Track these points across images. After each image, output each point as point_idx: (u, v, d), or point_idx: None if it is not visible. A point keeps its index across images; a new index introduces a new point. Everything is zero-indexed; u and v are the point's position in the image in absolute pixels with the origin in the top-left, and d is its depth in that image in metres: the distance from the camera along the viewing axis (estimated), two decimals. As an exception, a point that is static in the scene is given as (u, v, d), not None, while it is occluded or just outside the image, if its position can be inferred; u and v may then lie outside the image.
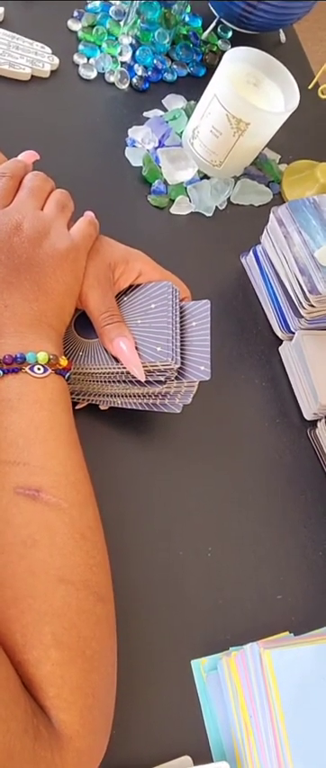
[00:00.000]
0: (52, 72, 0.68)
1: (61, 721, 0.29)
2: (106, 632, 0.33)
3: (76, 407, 0.46)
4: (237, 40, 0.80)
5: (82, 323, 0.45)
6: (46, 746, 0.28)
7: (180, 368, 0.42)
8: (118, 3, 0.74)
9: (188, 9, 0.79)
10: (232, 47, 0.65)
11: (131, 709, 0.38)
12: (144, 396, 0.44)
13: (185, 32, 0.78)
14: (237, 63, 0.63)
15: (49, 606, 0.30)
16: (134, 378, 0.42)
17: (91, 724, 0.30)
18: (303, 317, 0.54)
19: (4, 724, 0.26)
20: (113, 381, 0.44)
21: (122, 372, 0.42)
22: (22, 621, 0.30)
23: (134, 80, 0.71)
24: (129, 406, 0.45)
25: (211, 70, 0.69)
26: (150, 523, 0.45)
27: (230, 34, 0.82)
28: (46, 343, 0.38)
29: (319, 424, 0.53)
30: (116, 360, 0.42)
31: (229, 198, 0.67)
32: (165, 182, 0.64)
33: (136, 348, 0.42)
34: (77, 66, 0.70)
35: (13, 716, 0.26)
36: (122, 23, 0.72)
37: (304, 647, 0.39)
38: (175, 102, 0.71)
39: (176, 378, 0.42)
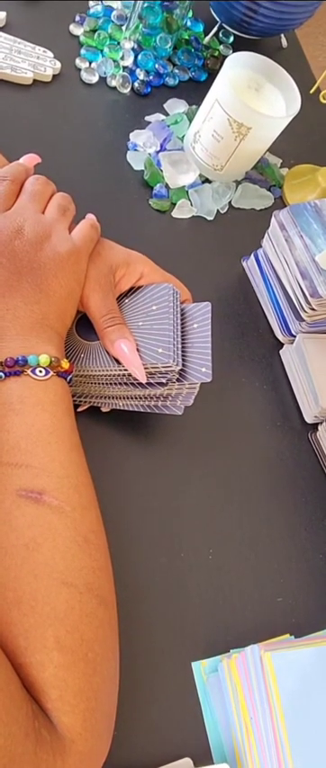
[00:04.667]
0: (54, 76, 0.68)
1: (63, 724, 0.29)
2: (109, 635, 0.33)
3: (78, 410, 0.46)
4: (238, 45, 0.81)
5: (83, 325, 0.45)
6: (48, 750, 0.28)
7: (181, 370, 0.42)
8: (120, 7, 0.74)
9: (190, 14, 0.79)
10: (234, 52, 0.65)
11: (131, 711, 0.38)
12: (146, 398, 0.44)
13: (186, 37, 0.79)
14: (238, 68, 0.63)
15: (51, 609, 0.30)
16: (136, 380, 0.42)
17: (93, 727, 0.30)
18: (304, 320, 0.54)
19: (6, 728, 0.26)
20: (115, 383, 0.44)
21: (124, 374, 0.42)
22: (24, 624, 0.30)
23: (136, 84, 0.71)
24: (130, 408, 0.45)
25: (212, 75, 0.69)
26: (152, 525, 0.45)
27: (231, 39, 0.82)
28: (48, 346, 0.38)
29: (320, 427, 0.53)
30: (117, 362, 0.42)
31: (230, 202, 0.67)
32: (166, 185, 0.64)
33: (137, 350, 0.42)
34: (79, 70, 0.70)
35: (14, 719, 0.26)
36: (123, 28, 0.72)
37: (305, 649, 0.39)
38: (176, 106, 0.72)
39: (178, 380, 0.42)
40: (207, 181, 0.67)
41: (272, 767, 0.35)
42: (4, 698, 0.26)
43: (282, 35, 0.87)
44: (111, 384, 0.44)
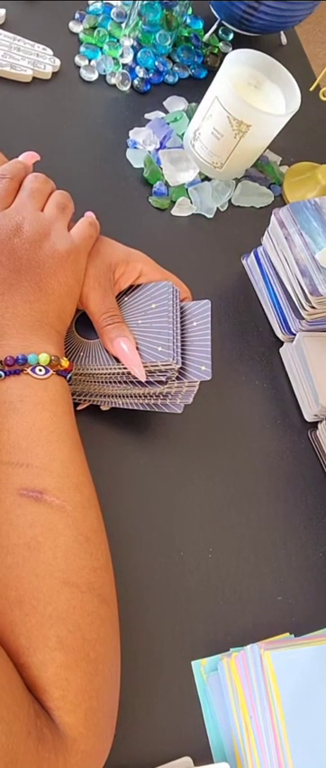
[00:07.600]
0: (54, 74, 0.68)
1: (65, 723, 0.29)
2: (110, 634, 0.33)
3: (78, 408, 0.46)
4: (238, 43, 0.81)
5: (83, 323, 0.45)
6: (50, 748, 0.28)
7: (181, 368, 0.42)
8: (119, 5, 0.74)
9: (190, 11, 0.79)
10: (234, 49, 0.65)
11: (131, 710, 0.38)
12: (145, 396, 0.44)
13: (186, 34, 0.78)
14: (238, 65, 0.63)
15: (53, 609, 0.30)
16: (135, 378, 0.42)
17: (95, 726, 0.30)
18: (303, 318, 0.54)
19: (7, 726, 0.26)
20: (114, 382, 0.44)
21: (123, 373, 0.42)
22: (26, 624, 0.30)
23: (135, 82, 0.71)
24: (130, 407, 0.45)
25: (212, 72, 0.69)
26: (151, 524, 0.45)
27: (231, 36, 0.82)
28: (47, 345, 0.38)
29: (319, 426, 0.53)
30: (117, 360, 0.42)
31: (230, 200, 0.67)
32: (166, 183, 0.64)
33: (137, 348, 0.42)
34: (79, 67, 0.70)
35: (15, 718, 0.26)
36: (123, 25, 0.72)
37: (305, 648, 0.39)
38: (176, 103, 0.71)
39: (177, 378, 0.42)
40: (207, 179, 0.67)
41: (272, 766, 0.35)
42: (6, 696, 0.27)
43: (282, 32, 0.87)
44: (110, 382, 0.44)
